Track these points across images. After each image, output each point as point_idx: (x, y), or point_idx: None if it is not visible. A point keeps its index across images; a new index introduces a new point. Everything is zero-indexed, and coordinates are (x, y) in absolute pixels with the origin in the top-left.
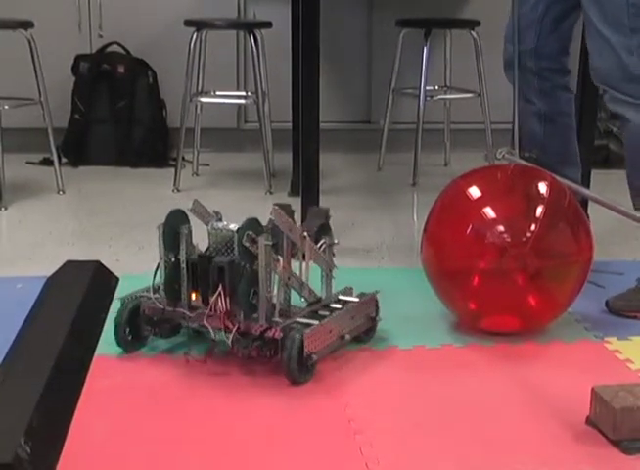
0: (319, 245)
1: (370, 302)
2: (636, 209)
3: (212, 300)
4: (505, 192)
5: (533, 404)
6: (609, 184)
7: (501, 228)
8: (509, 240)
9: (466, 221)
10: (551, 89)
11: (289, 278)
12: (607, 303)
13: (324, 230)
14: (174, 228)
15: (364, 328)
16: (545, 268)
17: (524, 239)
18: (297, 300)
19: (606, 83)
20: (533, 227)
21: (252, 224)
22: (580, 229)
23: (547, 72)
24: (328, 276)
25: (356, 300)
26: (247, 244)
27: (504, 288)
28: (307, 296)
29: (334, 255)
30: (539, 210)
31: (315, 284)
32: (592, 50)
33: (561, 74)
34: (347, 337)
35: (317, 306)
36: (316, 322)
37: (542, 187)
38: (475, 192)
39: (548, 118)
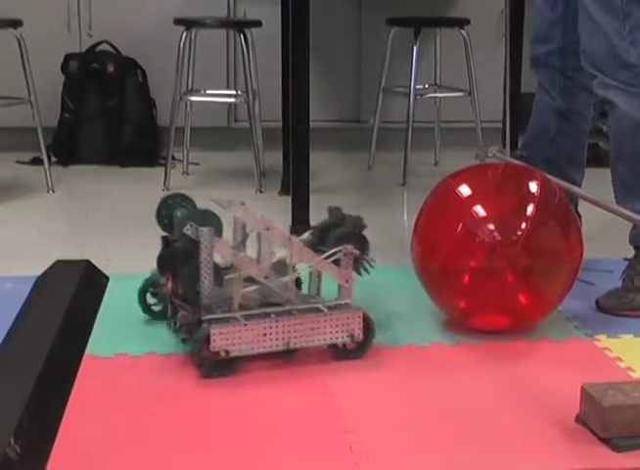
0: (329, 253)
1: (351, 318)
2: (617, 199)
3: (169, 284)
4: (495, 190)
5: (523, 403)
6: (599, 182)
7: (491, 226)
8: (499, 238)
9: (456, 220)
10: (574, 88)
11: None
12: (597, 302)
13: (348, 239)
14: (170, 210)
15: (340, 343)
16: (535, 267)
17: (514, 237)
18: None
19: (596, 68)
20: (524, 225)
21: (200, 214)
22: (571, 228)
23: (573, 72)
24: (316, 282)
25: (323, 311)
26: (188, 232)
27: (494, 286)
28: (280, 295)
29: (362, 267)
30: (530, 208)
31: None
32: (583, 34)
33: (586, 75)
34: (297, 346)
35: (276, 308)
36: (243, 321)
37: (533, 186)
38: (465, 190)
39: (565, 117)
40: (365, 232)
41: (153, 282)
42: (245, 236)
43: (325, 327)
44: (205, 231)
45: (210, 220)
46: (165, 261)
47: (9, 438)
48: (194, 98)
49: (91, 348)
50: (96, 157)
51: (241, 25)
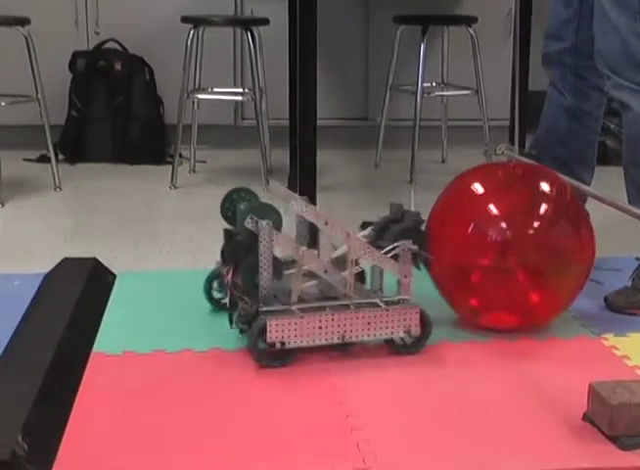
0: (388, 248)
1: (407, 313)
2: (629, 201)
3: (229, 275)
4: (507, 189)
5: (530, 401)
6: (606, 180)
7: (503, 225)
8: (510, 237)
9: (468, 218)
10: (586, 88)
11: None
12: (606, 299)
13: (406, 235)
14: (233, 204)
15: (397, 338)
16: (546, 266)
17: (525, 236)
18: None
19: (610, 69)
20: (536, 224)
21: (261, 208)
22: (582, 227)
23: (585, 71)
24: (378, 277)
25: (380, 306)
26: (249, 226)
27: (505, 285)
28: (339, 290)
29: (421, 262)
30: (542, 206)
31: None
32: (598, 33)
33: (598, 74)
34: (353, 339)
35: (332, 302)
36: (300, 314)
37: (544, 184)
38: (477, 189)
39: (576, 116)
40: None
41: (218, 274)
42: (307, 231)
43: (381, 322)
44: (265, 224)
45: (271, 214)
46: (228, 254)
47: (17, 435)
48: (201, 96)
49: (98, 345)
50: (103, 154)
51: (248, 23)
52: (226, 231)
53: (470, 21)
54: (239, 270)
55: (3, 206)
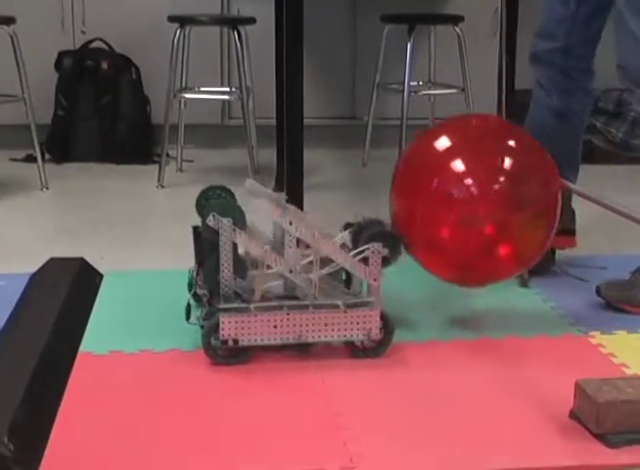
0: (358, 251)
1: (367, 316)
2: None
3: (195, 271)
4: (474, 143)
5: (517, 398)
6: (593, 178)
7: (469, 181)
8: (476, 193)
9: (434, 174)
10: (573, 89)
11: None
12: (598, 289)
13: (378, 238)
14: (208, 201)
15: (356, 340)
16: (513, 220)
17: (492, 191)
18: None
19: (634, 82)
20: (502, 179)
21: (224, 205)
22: (549, 182)
23: (574, 72)
24: (356, 279)
25: (340, 308)
26: (210, 223)
27: (473, 240)
28: (305, 290)
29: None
30: (507, 161)
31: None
32: (620, 47)
33: (586, 75)
34: (309, 340)
35: (290, 302)
36: (254, 312)
37: (512, 139)
38: (444, 143)
39: (562, 116)
40: None
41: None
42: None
43: (340, 323)
44: (225, 222)
45: (233, 211)
46: (195, 252)
47: (3, 436)
48: (188, 95)
49: (85, 345)
50: (90, 154)
51: (235, 23)
52: (194, 228)
53: (456, 20)
54: (202, 268)
55: None
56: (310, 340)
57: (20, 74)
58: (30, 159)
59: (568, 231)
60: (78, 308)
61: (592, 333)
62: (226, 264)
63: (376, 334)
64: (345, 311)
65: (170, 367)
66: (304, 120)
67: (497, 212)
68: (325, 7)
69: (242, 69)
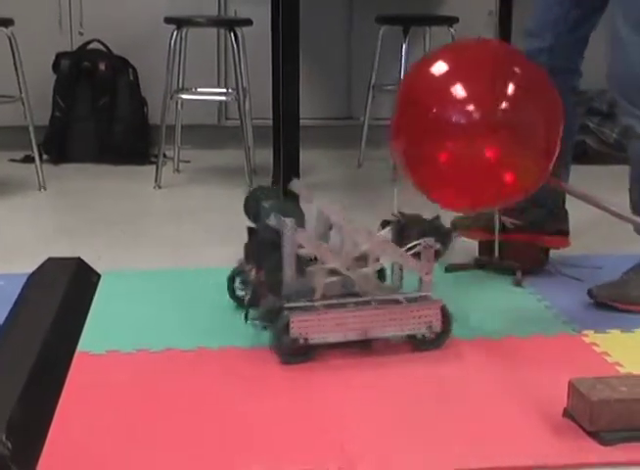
0: (410, 246)
1: (429, 309)
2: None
3: (253, 271)
4: (474, 69)
5: (512, 397)
6: (587, 178)
7: (470, 107)
8: (477, 119)
9: (433, 100)
10: (561, 88)
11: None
12: (590, 291)
13: (429, 233)
14: (257, 202)
15: (418, 334)
16: (515, 146)
17: (492, 117)
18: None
19: (621, 94)
20: (504, 105)
21: (285, 206)
22: (551, 109)
23: (559, 72)
24: (398, 274)
25: (402, 302)
26: (272, 223)
27: (472, 167)
28: (360, 286)
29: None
30: (509, 88)
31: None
32: (611, 56)
33: (572, 75)
34: (375, 336)
35: (355, 299)
36: (323, 310)
37: (515, 65)
38: (441, 69)
39: None
40: None
41: (240, 271)
42: (328, 228)
43: (403, 318)
44: (288, 222)
45: (294, 212)
46: (251, 252)
47: (1, 435)
48: (185, 96)
49: (83, 344)
50: (87, 155)
51: (231, 24)
52: (249, 229)
53: (451, 21)
54: (263, 268)
55: None
56: (376, 335)
57: (17, 76)
58: (28, 159)
59: (561, 231)
60: (76, 308)
61: (586, 332)
62: (289, 264)
63: (437, 326)
64: (409, 306)
65: (167, 367)
66: (301, 121)
67: (497, 139)
68: (321, 8)
69: (238, 70)
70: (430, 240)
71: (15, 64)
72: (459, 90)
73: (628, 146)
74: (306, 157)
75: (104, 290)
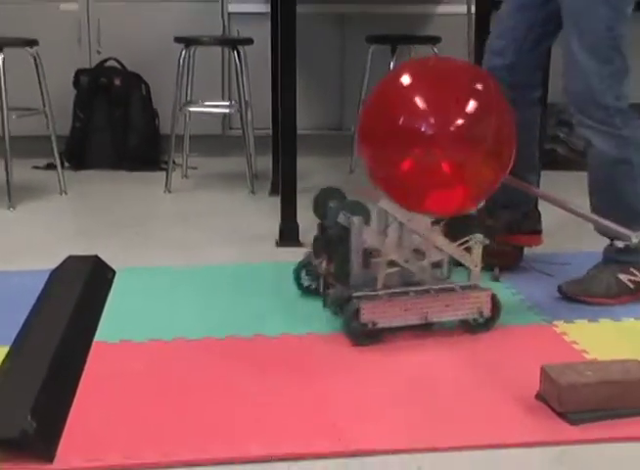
0: (462, 241)
1: (480, 297)
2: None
3: (323, 263)
4: (436, 84)
5: (489, 382)
6: (556, 183)
7: (431, 120)
8: (435, 130)
9: (398, 112)
10: (522, 102)
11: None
12: (560, 288)
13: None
14: (325, 201)
15: (470, 319)
16: (469, 158)
17: (450, 129)
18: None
19: (577, 107)
20: (459, 120)
21: (352, 205)
22: (505, 122)
23: (520, 86)
24: (448, 265)
25: (457, 291)
26: (341, 220)
27: (431, 175)
28: (417, 277)
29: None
30: (468, 101)
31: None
32: (567, 73)
33: (532, 89)
34: (434, 320)
35: (416, 288)
36: (387, 298)
37: (473, 80)
38: (407, 83)
39: (518, 126)
40: None
41: (307, 263)
42: (387, 225)
43: (458, 304)
44: (356, 219)
45: (360, 210)
46: (321, 245)
47: (27, 416)
48: (192, 108)
49: (99, 334)
50: (104, 162)
51: (234, 43)
52: (319, 225)
53: (434, 40)
54: (332, 260)
55: (14, 209)
56: (435, 320)
57: (41, 90)
58: (51, 166)
59: (535, 231)
60: (93, 301)
61: (556, 322)
62: (356, 257)
63: (487, 312)
64: (463, 293)
65: (176, 354)
66: (297, 131)
67: (453, 149)
68: (316, 28)
69: (241, 84)
70: (478, 236)
71: (39, 80)
72: (422, 103)
73: (587, 154)
74: (303, 163)
75: (118, 285)
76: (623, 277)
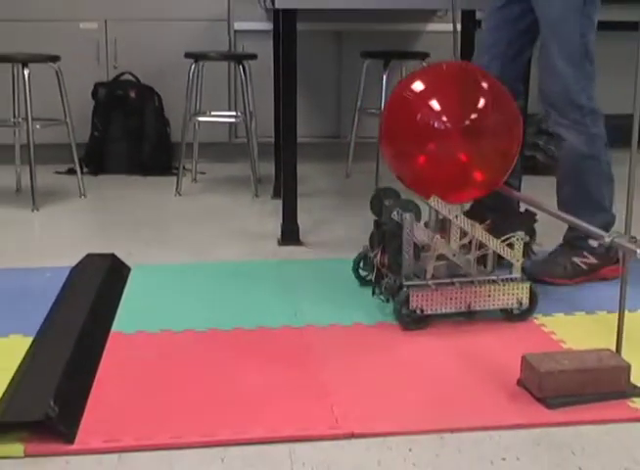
0: (505, 238)
1: (519, 288)
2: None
3: (378, 255)
4: (451, 86)
5: (475, 370)
6: (536, 188)
7: (445, 117)
8: (451, 126)
9: (416, 111)
10: None
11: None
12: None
13: (520, 228)
14: (380, 200)
15: (510, 308)
16: (482, 149)
17: (465, 124)
18: None
19: (551, 106)
20: (473, 115)
21: (405, 203)
22: (513, 121)
23: None
24: (492, 260)
25: (498, 282)
26: (395, 217)
27: (448, 165)
28: (464, 269)
29: (530, 251)
30: (477, 100)
31: None
32: (544, 76)
33: (514, 99)
34: (476, 308)
35: (460, 279)
36: (435, 287)
37: (483, 83)
38: (421, 86)
39: None
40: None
41: (365, 256)
42: (438, 222)
43: (499, 295)
44: (408, 216)
45: (412, 208)
46: (375, 240)
47: (49, 400)
48: (201, 118)
49: (116, 325)
50: (120, 167)
51: (240, 58)
52: (375, 221)
53: (424, 56)
54: (386, 252)
55: (38, 210)
56: (477, 308)
57: (62, 102)
58: (71, 172)
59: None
60: (110, 295)
61: (536, 315)
62: (407, 250)
63: (526, 303)
64: (504, 285)
65: (186, 344)
66: (298, 139)
67: (466, 143)
68: (315, 44)
69: (246, 96)
70: (520, 233)
71: (60, 92)
72: (436, 102)
73: (560, 150)
74: (302, 169)
75: (133, 280)
76: (577, 260)
